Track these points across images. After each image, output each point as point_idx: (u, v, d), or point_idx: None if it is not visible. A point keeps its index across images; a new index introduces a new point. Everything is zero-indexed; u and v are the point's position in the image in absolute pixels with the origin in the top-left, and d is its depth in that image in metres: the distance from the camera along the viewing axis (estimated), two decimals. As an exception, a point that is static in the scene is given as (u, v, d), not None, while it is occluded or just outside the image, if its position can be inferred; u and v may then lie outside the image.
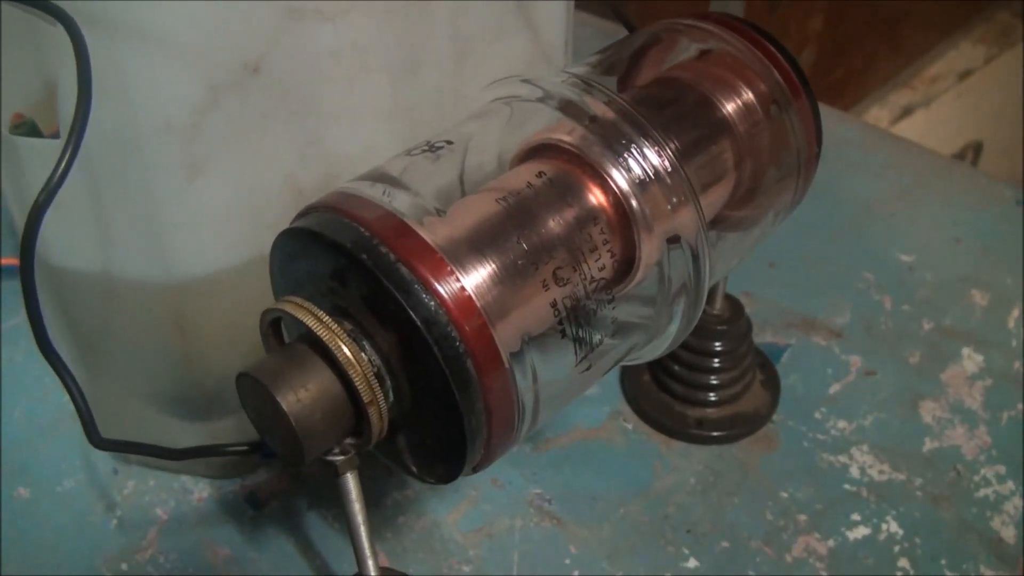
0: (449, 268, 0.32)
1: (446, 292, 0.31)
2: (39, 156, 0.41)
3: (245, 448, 0.37)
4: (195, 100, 0.39)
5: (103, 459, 0.55)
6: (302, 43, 0.41)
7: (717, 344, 0.54)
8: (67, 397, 0.56)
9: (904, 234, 0.70)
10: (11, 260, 0.66)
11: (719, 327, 0.54)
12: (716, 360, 0.54)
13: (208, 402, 0.50)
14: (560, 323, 0.34)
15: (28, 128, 0.48)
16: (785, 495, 0.52)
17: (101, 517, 0.53)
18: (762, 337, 0.61)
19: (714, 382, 0.55)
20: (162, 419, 0.51)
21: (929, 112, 1.53)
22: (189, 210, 0.42)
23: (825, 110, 0.45)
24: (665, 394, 0.56)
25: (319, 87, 0.42)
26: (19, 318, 0.63)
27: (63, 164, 0.31)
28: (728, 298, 0.55)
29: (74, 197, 0.42)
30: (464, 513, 0.52)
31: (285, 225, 0.37)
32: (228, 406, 0.49)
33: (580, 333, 0.34)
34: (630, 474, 0.54)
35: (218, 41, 0.39)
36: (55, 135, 0.44)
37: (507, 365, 0.32)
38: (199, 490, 0.54)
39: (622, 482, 0.54)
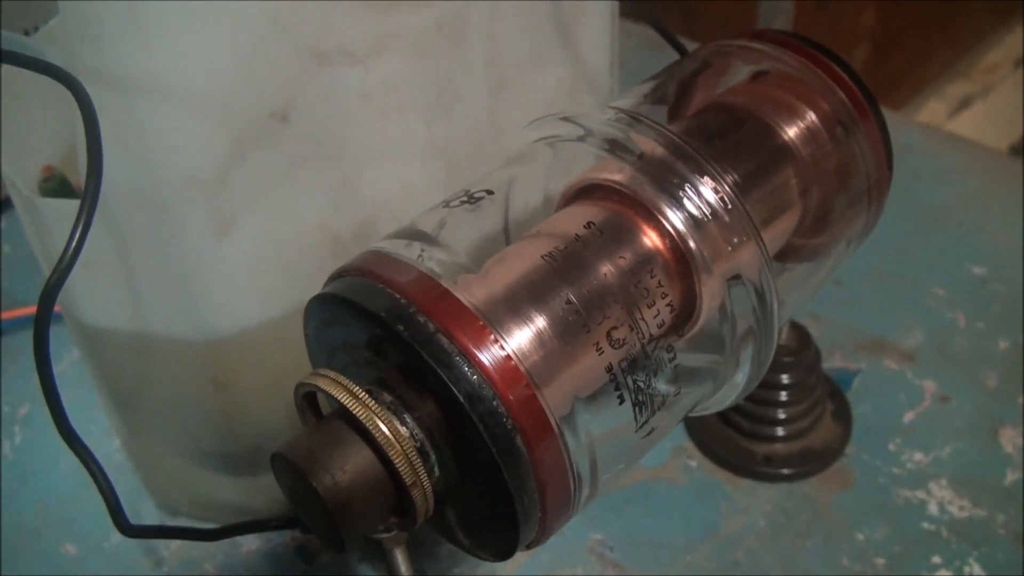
0: (491, 334, 0.29)
1: (489, 361, 0.29)
2: (62, 218, 0.39)
3: (283, 524, 0.35)
4: (220, 154, 0.38)
5: (150, 512, 0.54)
6: (330, 87, 0.38)
7: (784, 376, 0.51)
8: (114, 445, 0.56)
9: (974, 244, 0.66)
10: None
11: (786, 359, 0.51)
12: (783, 393, 0.52)
13: (250, 457, 0.48)
14: (617, 388, 0.31)
15: (57, 181, 0.47)
16: (861, 537, 0.49)
17: (149, 573, 0.51)
18: (831, 362, 0.58)
19: (782, 416, 0.52)
20: (205, 474, 0.49)
21: (988, 102, 1.50)
22: (220, 265, 0.41)
23: (884, 114, 0.42)
24: (730, 429, 0.53)
25: (350, 131, 0.40)
26: (64, 364, 0.62)
27: (72, 247, 0.29)
28: (794, 327, 0.52)
29: (103, 256, 0.40)
30: (522, 563, 0.50)
31: (321, 275, 0.35)
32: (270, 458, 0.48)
33: (639, 397, 0.32)
34: (695, 516, 0.51)
35: (241, 92, 0.37)
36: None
37: (557, 431, 0.30)
38: (248, 542, 0.52)
39: (687, 525, 0.51)
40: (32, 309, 0.66)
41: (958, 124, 1.45)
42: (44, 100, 0.43)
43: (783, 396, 0.52)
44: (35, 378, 0.61)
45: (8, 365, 0.64)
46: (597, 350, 0.31)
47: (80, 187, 0.44)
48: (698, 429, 0.54)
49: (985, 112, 1.49)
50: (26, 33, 0.68)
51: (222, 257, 0.40)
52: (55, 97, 0.37)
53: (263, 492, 0.50)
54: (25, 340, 0.65)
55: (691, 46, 0.47)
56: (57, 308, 0.51)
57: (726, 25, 1.16)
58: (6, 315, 0.66)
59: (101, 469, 0.32)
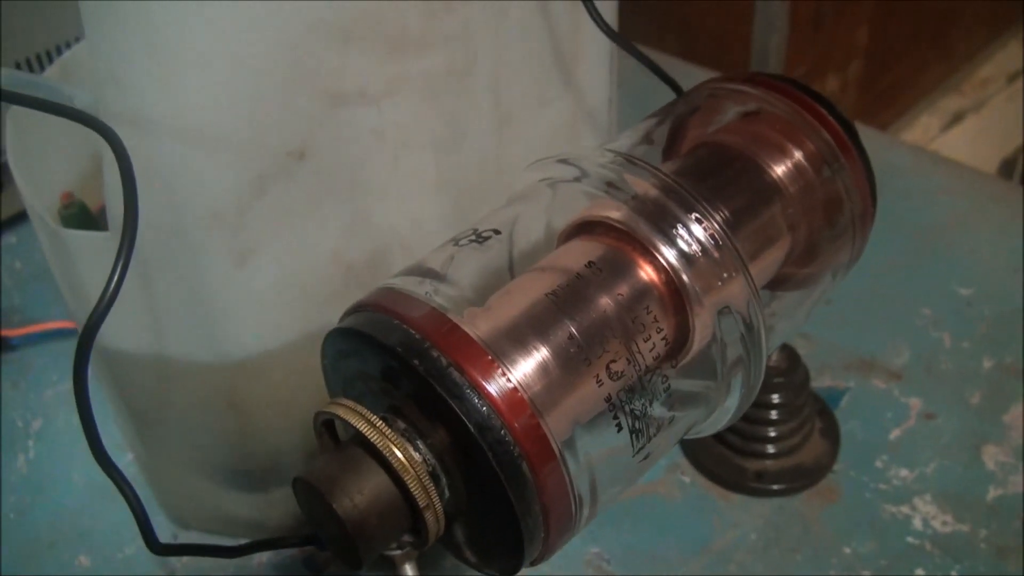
0: (499, 367, 0.31)
1: (497, 393, 0.31)
2: (87, 249, 0.41)
3: (301, 541, 0.37)
4: (241, 190, 0.40)
5: (163, 525, 0.56)
6: (346, 126, 0.41)
7: (774, 396, 0.53)
8: (128, 459, 0.58)
9: (962, 265, 0.68)
10: (67, 323, 0.67)
11: (776, 379, 0.53)
12: (774, 412, 0.54)
13: (264, 475, 0.50)
14: (615, 416, 0.33)
15: (77, 209, 0.49)
16: (848, 550, 0.51)
17: (161, 585, 0.53)
18: (820, 381, 0.60)
19: (772, 434, 0.54)
20: (219, 491, 0.51)
21: (980, 117, 1.51)
22: (239, 294, 0.43)
23: (873, 135, 0.44)
24: (723, 447, 0.56)
25: (364, 167, 0.42)
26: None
27: (111, 287, 0.31)
28: (784, 348, 0.54)
29: (127, 285, 0.42)
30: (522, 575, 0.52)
31: (335, 302, 0.37)
32: (283, 478, 0.50)
33: (637, 424, 0.34)
34: (689, 530, 0.53)
35: (261, 132, 0.39)
36: (102, 210, 0.44)
37: (559, 458, 0.32)
38: (259, 555, 0.54)
39: (682, 539, 0.53)
40: (45, 326, 0.68)
41: (951, 138, 1.47)
42: (59, 128, 0.45)
43: (773, 415, 0.54)
44: (48, 393, 0.64)
45: (20, 380, 0.65)
46: (597, 382, 0.33)
47: (99, 212, 0.46)
48: (692, 447, 0.56)
49: (978, 126, 1.50)
50: (39, 61, 0.69)
51: (241, 286, 0.42)
52: (68, 126, 0.39)
53: (275, 507, 0.52)
54: (37, 355, 0.67)
55: (687, 68, 0.49)
56: (73, 324, 0.52)
57: (722, 43, 1.17)
58: (19, 331, 0.68)
59: (134, 491, 0.34)
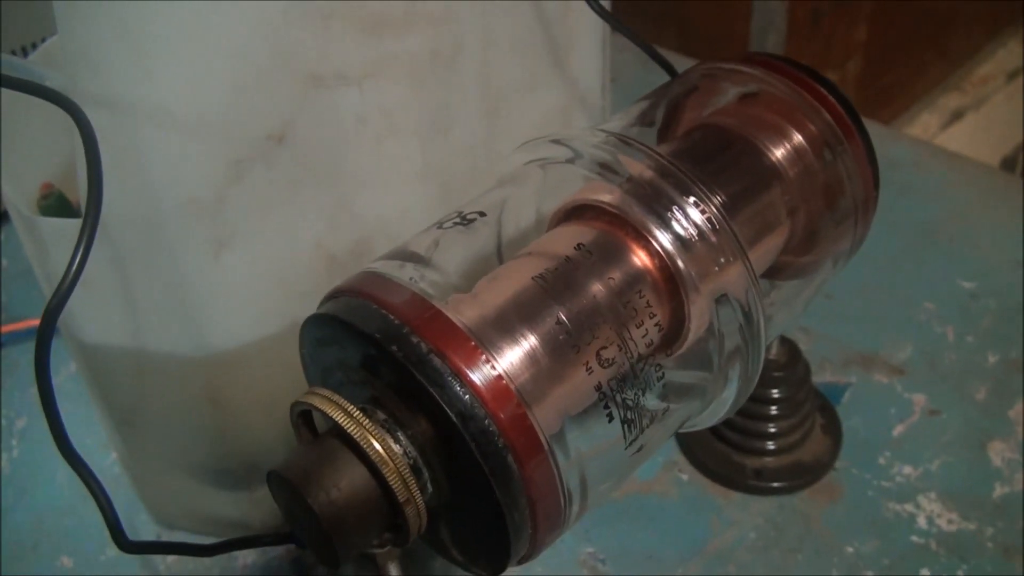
0: (483, 354, 0.30)
1: (480, 381, 0.30)
2: (61, 237, 0.40)
3: (278, 539, 0.36)
4: (218, 175, 0.38)
5: (147, 525, 0.54)
6: (327, 110, 0.39)
7: (774, 391, 0.52)
8: (111, 458, 0.56)
9: (965, 259, 0.67)
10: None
11: (776, 373, 0.51)
12: (774, 407, 0.52)
13: (246, 472, 0.49)
14: (606, 406, 0.32)
15: (55, 199, 0.48)
16: (851, 550, 0.50)
17: (145, 587, 0.52)
18: (821, 376, 0.59)
19: (772, 430, 0.53)
20: (201, 489, 0.50)
21: (979, 115, 1.50)
22: (218, 284, 0.41)
23: (874, 128, 0.42)
24: (722, 443, 0.54)
25: (347, 153, 0.41)
26: (60, 378, 0.62)
27: (72, 271, 0.30)
28: (784, 341, 0.53)
29: (102, 275, 0.41)
30: (512, 574, 0.51)
31: (317, 293, 0.36)
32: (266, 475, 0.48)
33: (629, 415, 0.32)
34: (687, 530, 0.52)
35: (238, 115, 0.37)
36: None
37: (547, 449, 0.30)
38: (244, 556, 0.53)
39: (679, 539, 0.51)
40: (30, 323, 0.67)
41: (950, 136, 1.46)
42: (42, 118, 0.44)
43: (773, 410, 0.52)
44: (32, 391, 0.62)
45: (6, 378, 0.64)
46: (587, 370, 0.32)
47: (78, 204, 0.45)
48: (689, 443, 0.55)
49: (977, 124, 1.49)
50: (24, 51, 0.68)
51: (219, 276, 0.41)
52: (53, 115, 0.38)
53: (259, 506, 0.50)
54: (23, 353, 0.66)
55: (685, 62, 0.48)
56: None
57: (720, 41, 1.16)
58: (4, 328, 0.67)
59: (101, 486, 0.32)
